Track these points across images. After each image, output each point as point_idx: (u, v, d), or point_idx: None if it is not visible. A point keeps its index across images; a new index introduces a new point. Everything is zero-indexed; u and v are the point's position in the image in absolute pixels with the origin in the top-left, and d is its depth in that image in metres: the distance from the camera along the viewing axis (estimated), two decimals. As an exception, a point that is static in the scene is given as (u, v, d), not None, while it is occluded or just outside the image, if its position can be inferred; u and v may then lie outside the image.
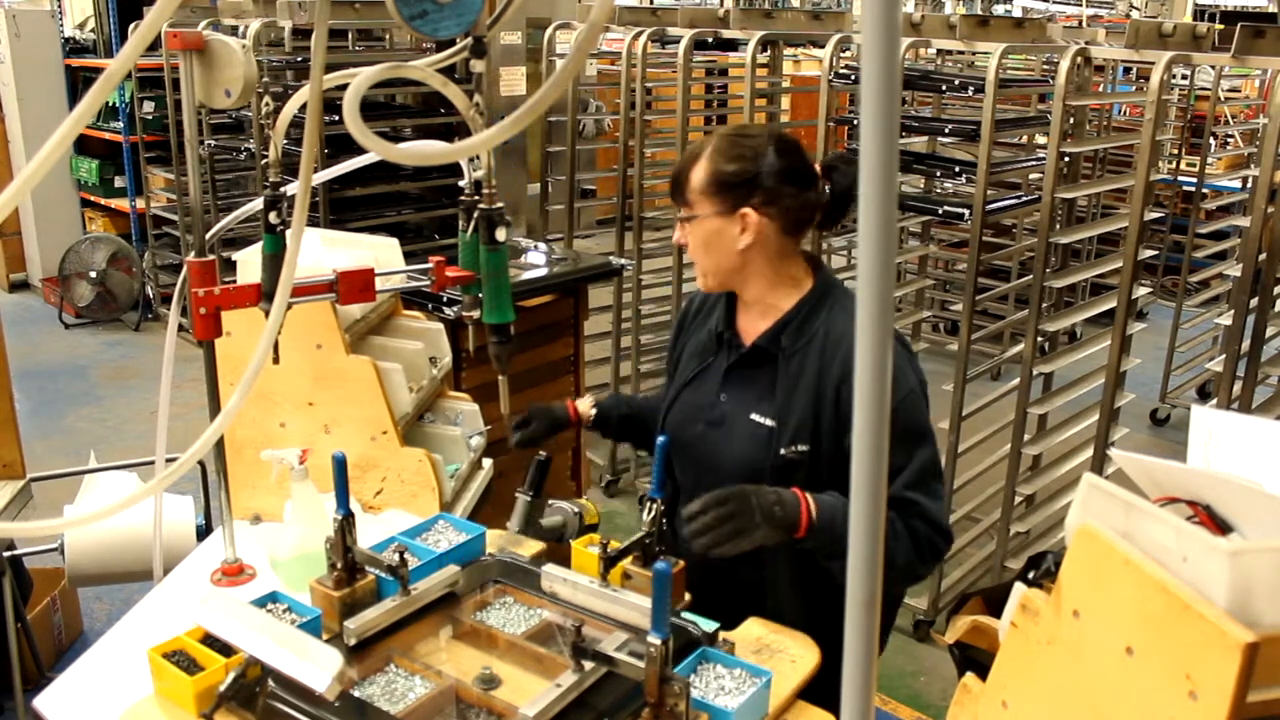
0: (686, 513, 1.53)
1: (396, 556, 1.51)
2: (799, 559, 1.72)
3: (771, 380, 1.71)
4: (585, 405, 2.00)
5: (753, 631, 1.58)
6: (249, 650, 1.27)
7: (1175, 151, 6.12)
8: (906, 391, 1.66)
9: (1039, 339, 3.23)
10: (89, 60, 6.61)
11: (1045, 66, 5.85)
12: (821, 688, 1.48)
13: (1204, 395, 5.18)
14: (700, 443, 1.78)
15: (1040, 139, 4.73)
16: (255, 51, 3.93)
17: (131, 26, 5.96)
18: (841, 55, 3.40)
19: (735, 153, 1.68)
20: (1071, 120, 3.28)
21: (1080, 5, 8.14)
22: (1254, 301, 2.99)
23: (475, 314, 1.78)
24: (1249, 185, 5.11)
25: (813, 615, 1.65)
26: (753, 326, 1.77)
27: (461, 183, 1.67)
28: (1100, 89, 5.40)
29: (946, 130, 3.69)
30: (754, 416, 1.71)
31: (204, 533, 2.27)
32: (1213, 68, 5.34)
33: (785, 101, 5.68)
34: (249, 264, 1.91)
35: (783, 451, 1.67)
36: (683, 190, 1.70)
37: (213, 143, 4.99)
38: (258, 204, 1.67)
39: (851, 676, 0.55)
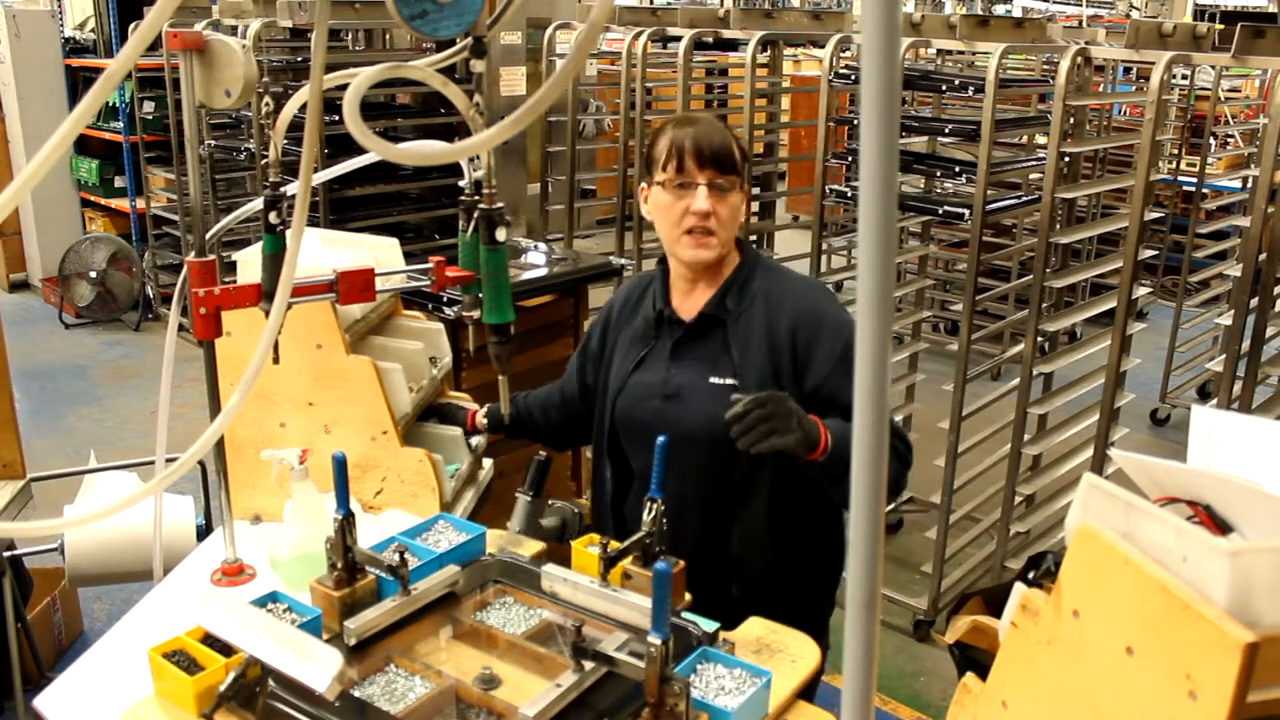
0: (731, 415, 1.58)
1: (396, 556, 1.51)
2: (770, 538, 1.82)
3: (722, 344, 1.81)
4: (480, 416, 2.15)
5: (753, 631, 1.58)
6: (249, 650, 1.27)
7: (1175, 151, 6.12)
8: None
9: (1039, 339, 3.23)
10: (89, 60, 6.61)
11: (1045, 66, 5.86)
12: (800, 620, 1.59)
13: (1204, 395, 5.18)
14: (657, 418, 1.82)
15: (1040, 139, 4.73)
16: (255, 51, 3.93)
17: (131, 26, 5.97)
18: (841, 55, 3.40)
19: (736, 135, 1.84)
20: (1071, 120, 3.28)
21: (1080, 5, 8.14)
22: (1254, 301, 2.99)
23: (475, 314, 1.78)
24: (1249, 185, 5.11)
25: (780, 587, 1.81)
26: (691, 302, 1.86)
27: (461, 183, 1.67)
28: (1100, 89, 5.40)
29: (946, 130, 3.69)
30: (713, 380, 1.79)
31: (204, 533, 2.27)
32: (1213, 68, 5.34)
33: (785, 101, 5.68)
34: (249, 264, 1.91)
35: None
36: (731, 159, 1.78)
37: (213, 143, 4.99)
38: (258, 204, 1.67)
39: (851, 676, 0.55)
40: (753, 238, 4.20)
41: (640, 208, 1.90)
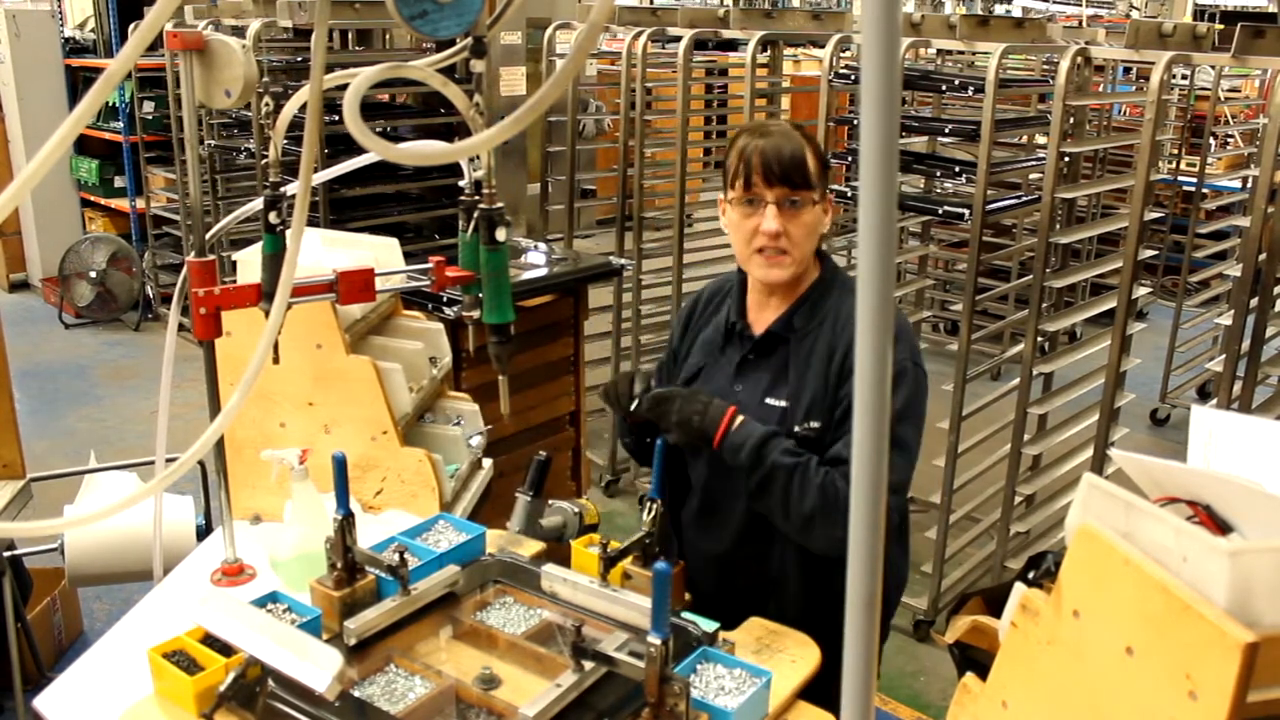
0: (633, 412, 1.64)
1: (396, 556, 1.51)
2: (806, 560, 1.74)
3: (783, 365, 1.75)
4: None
5: (753, 631, 1.58)
6: (249, 650, 1.27)
7: (1175, 151, 6.12)
8: (903, 367, 1.71)
9: (1039, 339, 3.23)
10: (89, 60, 6.60)
11: (1045, 66, 5.85)
12: (822, 689, 1.49)
13: (1204, 395, 5.18)
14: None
15: (1040, 139, 4.73)
16: (255, 51, 3.93)
17: (131, 26, 5.96)
18: (841, 55, 3.40)
19: (815, 141, 1.75)
20: (1071, 120, 3.28)
21: (1080, 5, 8.14)
22: (1254, 301, 2.98)
23: (475, 314, 1.78)
24: (1249, 185, 5.11)
25: (815, 616, 1.66)
26: (764, 315, 1.80)
27: (461, 183, 1.67)
28: (1100, 89, 5.40)
29: (946, 130, 3.69)
30: (768, 400, 1.74)
31: (204, 533, 2.27)
32: (1213, 68, 5.34)
33: (785, 101, 5.68)
34: (249, 264, 1.91)
35: (796, 429, 1.69)
36: (804, 173, 1.70)
37: (213, 143, 4.99)
38: (258, 204, 1.67)
39: (851, 676, 0.55)
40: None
41: (721, 221, 1.82)
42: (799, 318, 1.76)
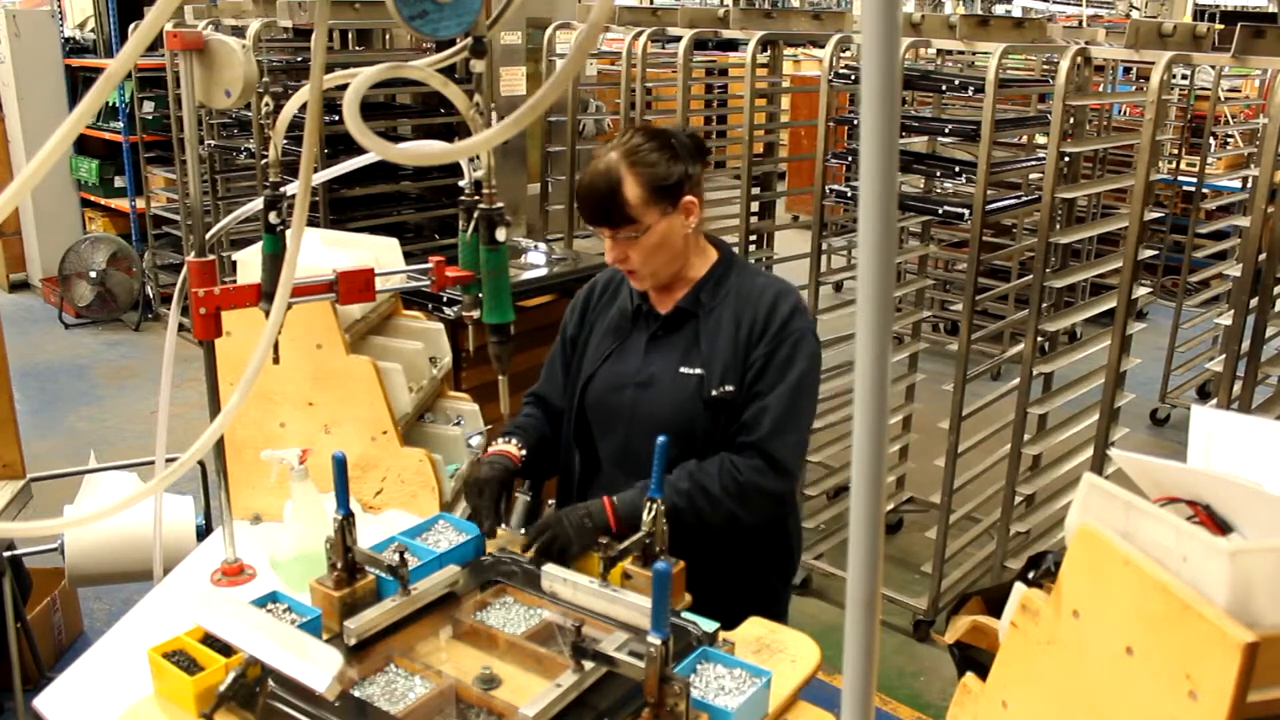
0: (524, 546, 1.71)
1: (396, 556, 1.51)
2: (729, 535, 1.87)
3: (694, 336, 1.86)
4: (515, 448, 1.89)
5: (753, 631, 1.58)
6: (249, 650, 1.27)
7: (1175, 151, 6.12)
8: (802, 326, 1.85)
9: (1039, 339, 3.23)
10: (89, 60, 6.60)
11: (1045, 66, 5.85)
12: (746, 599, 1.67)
13: (1204, 395, 5.18)
14: (630, 404, 1.88)
15: (1040, 139, 4.73)
16: (255, 51, 3.93)
17: (131, 26, 5.96)
18: (841, 55, 3.40)
19: (654, 157, 1.78)
20: (1071, 120, 3.28)
21: (1080, 5, 8.14)
22: (1254, 301, 2.98)
23: (475, 314, 1.78)
24: (1249, 185, 5.11)
25: (738, 558, 1.89)
26: (667, 296, 1.90)
27: (461, 183, 1.67)
28: (1100, 89, 5.40)
29: (946, 130, 3.69)
30: (682, 369, 1.85)
31: (204, 533, 2.27)
32: (1213, 68, 5.34)
33: (785, 101, 5.68)
34: (249, 264, 1.91)
35: (713, 393, 1.82)
36: (620, 211, 1.77)
37: (213, 143, 4.99)
38: (258, 204, 1.67)
39: (851, 676, 0.55)
40: (753, 237, 4.20)
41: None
42: (705, 294, 1.86)
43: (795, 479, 1.90)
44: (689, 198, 1.81)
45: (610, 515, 1.74)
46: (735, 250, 1.99)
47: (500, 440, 1.91)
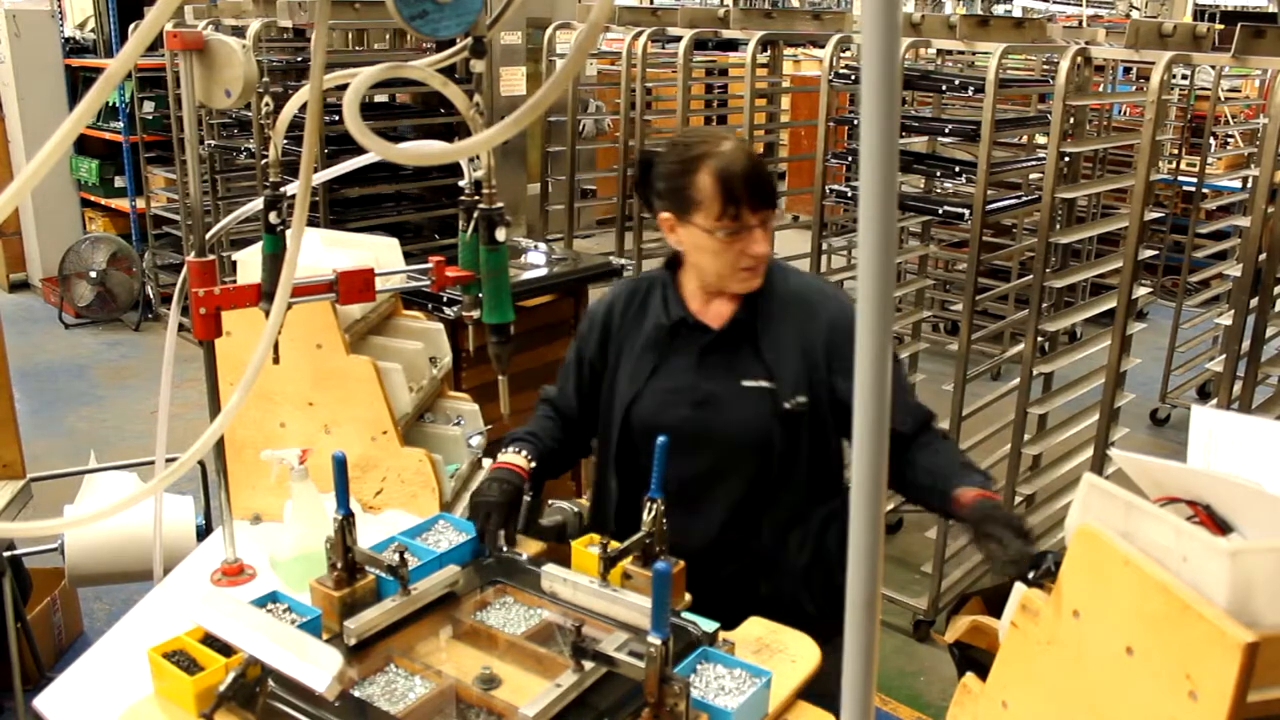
0: (1007, 563, 1.46)
1: (396, 556, 1.51)
2: (799, 533, 1.81)
3: (752, 350, 1.79)
4: (524, 461, 1.82)
5: (753, 631, 1.58)
6: (249, 650, 1.27)
7: (1175, 151, 6.12)
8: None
9: (1039, 339, 3.22)
10: (89, 60, 6.60)
11: (1045, 66, 5.85)
12: (821, 685, 1.50)
13: (1204, 395, 5.18)
14: (691, 424, 1.78)
15: (1040, 139, 4.73)
16: (255, 51, 3.93)
17: (131, 26, 5.96)
18: (841, 55, 3.40)
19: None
20: (1071, 120, 3.28)
21: (1080, 5, 8.14)
22: (1254, 301, 2.98)
23: (475, 314, 1.78)
24: (1249, 185, 5.11)
25: (811, 585, 1.80)
26: (714, 308, 1.81)
27: (461, 183, 1.67)
28: (1100, 89, 5.40)
29: (946, 130, 3.69)
30: (745, 383, 1.76)
31: (204, 533, 2.27)
32: (1213, 68, 5.34)
33: (785, 101, 5.68)
34: (249, 264, 1.91)
35: (786, 406, 1.74)
36: (775, 188, 1.75)
37: (213, 143, 4.99)
38: (258, 204, 1.67)
39: (851, 676, 0.55)
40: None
41: (666, 236, 1.80)
42: (763, 304, 1.79)
43: None
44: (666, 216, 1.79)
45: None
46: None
47: (510, 450, 1.82)
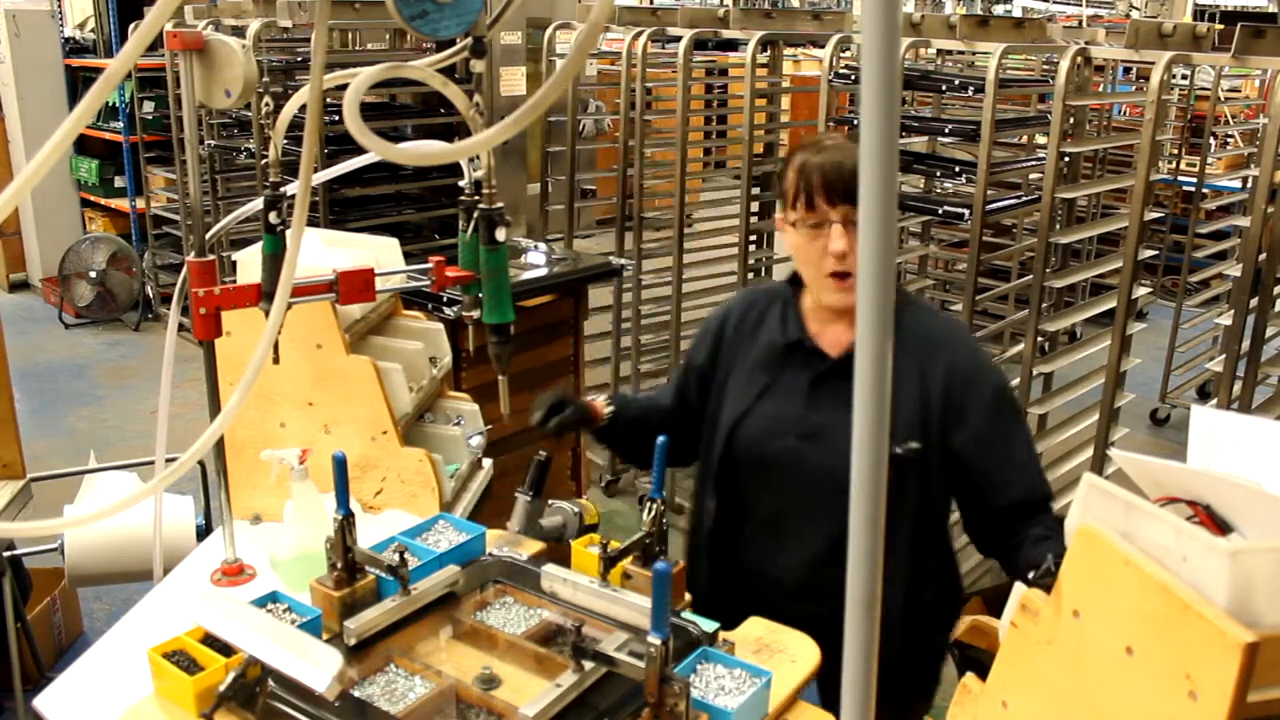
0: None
1: (396, 556, 1.51)
2: (913, 594, 1.73)
3: None
4: (602, 405, 1.86)
5: (753, 631, 1.58)
6: (249, 650, 1.27)
7: (1175, 151, 6.12)
8: (1003, 377, 1.75)
9: (1039, 339, 3.22)
10: (89, 60, 6.60)
11: (1045, 66, 5.85)
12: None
13: (1204, 395, 5.18)
14: (794, 456, 1.71)
15: (1040, 139, 4.73)
16: (255, 51, 3.93)
17: (131, 26, 5.96)
18: (841, 55, 3.40)
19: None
20: (1071, 120, 3.28)
21: (1080, 5, 8.14)
22: (1254, 301, 2.98)
23: (475, 314, 1.78)
24: (1249, 185, 5.11)
25: (914, 653, 1.76)
26: (833, 333, 1.73)
27: (461, 183, 1.67)
28: (1100, 89, 5.40)
29: (946, 130, 3.69)
30: None
31: (204, 533, 2.27)
32: (1213, 68, 5.34)
33: (785, 101, 5.67)
34: (249, 264, 1.91)
35: (897, 450, 1.65)
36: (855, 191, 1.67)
37: (213, 143, 4.99)
38: (258, 204, 1.67)
39: (851, 676, 0.55)
40: (753, 237, 4.20)
41: (778, 236, 1.78)
42: None
43: None
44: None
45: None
46: (899, 285, 1.86)
47: (600, 396, 1.87)
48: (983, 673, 1.09)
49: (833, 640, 1.58)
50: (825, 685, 1.56)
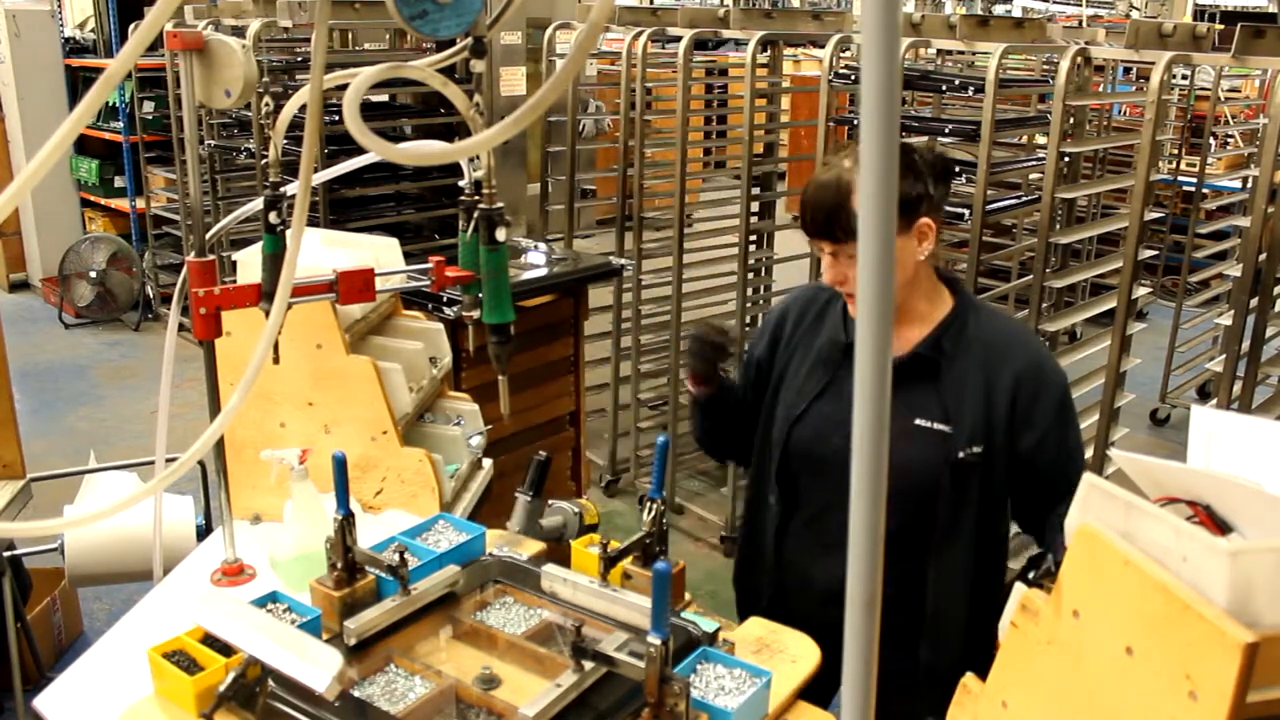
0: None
1: (396, 556, 1.51)
2: (976, 596, 1.73)
3: (931, 387, 1.69)
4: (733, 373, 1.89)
5: (753, 631, 1.58)
6: (249, 650, 1.27)
7: (1175, 151, 6.12)
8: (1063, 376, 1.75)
9: (1039, 339, 3.22)
10: (89, 60, 6.61)
11: (1045, 66, 5.85)
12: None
13: (1204, 395, 5.18)
14: (839, 457, 1.69)
15: (1040, 139, 4.73)
16: (255, 51, 3.93)
17: (131, 26, 5.96)
18: (841, 55, 3.40)
19: (900, 171, 1.69)
20: (1071, 120, 3.28)
21: (1080, 5, 8.14)
22: (1254, 301, 2.98)
23: (475, 314, 1.78)
24: (1249, 185, 5.11)
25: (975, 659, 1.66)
26: (900, 334, 1.72)
27: (461, 183, 1.66)
28: (1100, 89, 5.40)
29: (946, 130, 3.68)
30: (919, 422, 1.67)
31: (204, 533, 2.27)
32: (1213, 68, 5.34)
33: (785, 101, 5.68)
34: (249, 264, 1.91)
35: (960, 455, 1.66)
36: (847, 225, 1.63)
37: (213, 143, 4.99)
38: (258, 204, 1.67)
39: (851, 676, 0.55)
40: (753, 237, 4.20)
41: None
42: (947, 340, 1.70)
43: None
44: (925, 220, 1.65)
45: None
46: (968, 289, 1.82)
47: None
48: (983, 673, 1.09)
49: (905, 658, 1.57)
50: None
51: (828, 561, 1.76)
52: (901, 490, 1.62)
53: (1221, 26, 3.05)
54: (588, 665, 1.34)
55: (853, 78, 3.34)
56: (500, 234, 1.64)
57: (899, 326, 1.72)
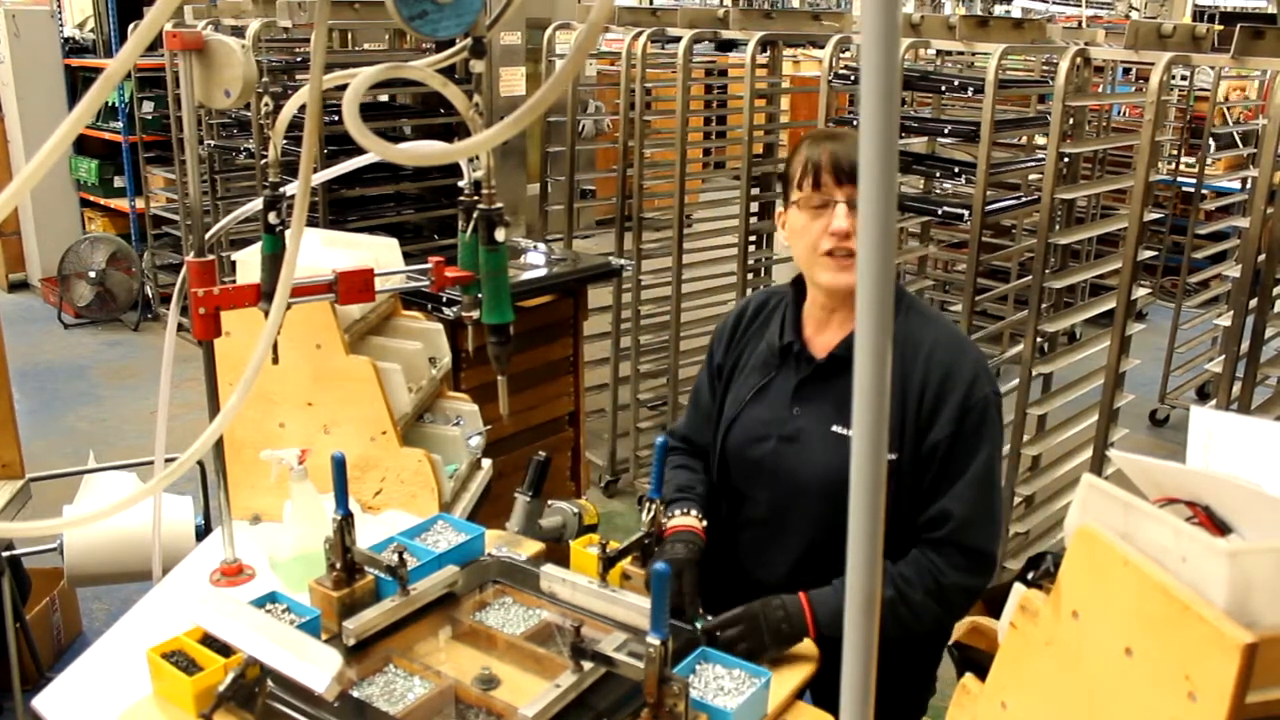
0: (705, 629, 1.51)
1: (396, 556, 1.51)
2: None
3: (846, 392, 1.65)
4: (696, 519, 1.74)
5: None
6: (248, 650, 1.27)
7: (1174, 152, 6.12)
8: (987, 393, 1.64)
9: (1038, 339, 3.23)
10: (89, 60, 6.60)
11: (1045, 67, 5.85)
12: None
13: (1203, 396, 5.18)
14: (774, 459, 1.71)
15: (1040, 139, 4.73)
16: (255, 51, 3.93)
17: (131, 26, 5.96)
18: (841, 55, 3.40)
19: None
20: (1071, 121, 3.28)
21: (1080, 6, 8.14)
22: (1253, 302, 2.99)
23: (475, 314, 1.78)
24: (1248, 186, 5.11)
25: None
26: (825, 335, 1.72)
27: (461, 183, 1.66)
28: (1100, 89, 5.40)
29: (946, 131, 3.69)
30: (835, 429, 1.66)
31: (203, 533, 2.27)
32: (1212, 68, 5.34)
33: (785, 102, 5.67)
34: (249, 264, 1.91)
35: None
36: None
37: (212, 143, 4.99)
38: (257, 204, 1.67)
39: (851, 676, 0.55)
40: (752, 237, 4.20)
41: (777, 236, 1.74)
42: None
43: (995, 569, 1.68)
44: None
45: (809, 623, 1.54)
46: (908, 291, 1.78)
47: (677, 512, 1.73)
48: (982, 674, 1.09)
49: (826, 646, 1.57)
50: (812, 686, 1.56)
51: (772, 560, 1.75)
52: (813, 493, 1.62)
53: (1221, 27, 3.05)
54: (587, 665, 1.34)
55: (852, 78, 3.34)
56: (500, 234, 1.64)
57: (827, 329, 1.72)
